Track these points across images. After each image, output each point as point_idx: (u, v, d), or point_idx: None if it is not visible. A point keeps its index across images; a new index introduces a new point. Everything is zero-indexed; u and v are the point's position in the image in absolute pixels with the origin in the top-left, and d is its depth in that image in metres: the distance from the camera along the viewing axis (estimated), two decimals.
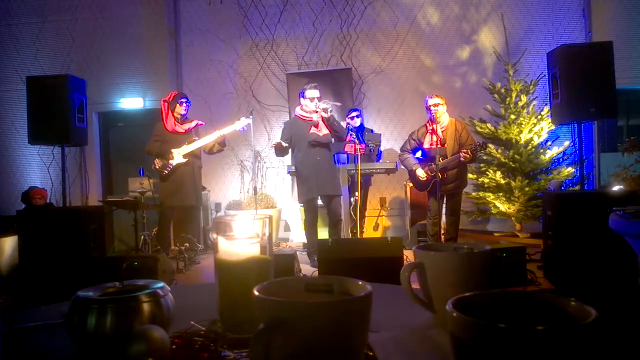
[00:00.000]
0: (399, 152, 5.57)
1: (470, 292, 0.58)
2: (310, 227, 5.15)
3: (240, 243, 0.75)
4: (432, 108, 5.06)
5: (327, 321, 0.54)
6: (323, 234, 5.73)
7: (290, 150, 5.18)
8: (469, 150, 4.85)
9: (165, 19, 7.73)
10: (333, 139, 5.02)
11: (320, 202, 5.25)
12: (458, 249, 0.92)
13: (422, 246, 0.91)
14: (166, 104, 5.56)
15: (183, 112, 5.55)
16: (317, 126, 4.92)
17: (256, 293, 0.58)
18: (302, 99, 5.05)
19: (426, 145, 5.14)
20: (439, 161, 4.91)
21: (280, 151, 5.08)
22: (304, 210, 5.17)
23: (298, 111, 5.12)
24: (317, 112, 4.87)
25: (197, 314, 0.87)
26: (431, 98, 5.13)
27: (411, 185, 6.23)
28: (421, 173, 5.13)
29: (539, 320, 0.55)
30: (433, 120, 5.07)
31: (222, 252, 0.75)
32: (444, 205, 5.37)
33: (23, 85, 5.16)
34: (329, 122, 4.86)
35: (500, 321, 0.47)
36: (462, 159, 4.89)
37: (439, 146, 4.93)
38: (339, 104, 5.47)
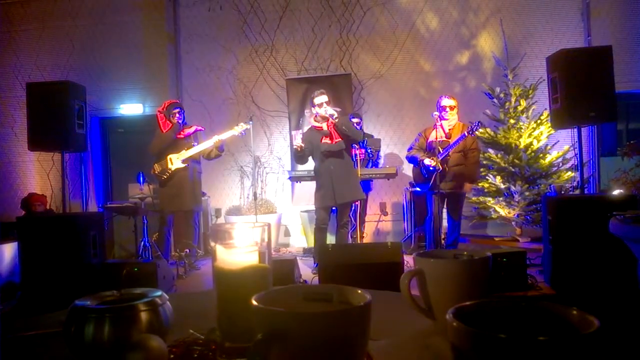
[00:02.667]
0: (406, 152, 5.55)
1: (470, 298, 0.58)
2: (322, 231, 5.07)
3: (238, 251, 0.74)
4: (447, 109, 5.09)
5: (326, 331, 0.53)
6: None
7: (309, 158, 5.15)
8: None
9: (164, 24, 7.75)
10: (347, 144, 4.97)
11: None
12: (458, 256, 0.91)
13: (421, 253, 0.90)
14: (161, 113, 5.57)
15: (179, 122, 5.55)
16: (327, 136, 4.91)
17: (254, 302, 0.58)
18: (313, 108, 5.04)
19: (431, 139, 5.15)
20: (439, 151, 4.94)
21: (299, 157, 5.07)
22: (316, 214, 5.10)
23: (312, 121, 5.13)
24: (327, 119, 4.86)
25: (195, 322, 0.87)
26: (447, 98, 5.16)
27: (411, 190, 6.24)
28: (429, 161, 5.12)
29: (541, 329, 0.54)
30: (441, 118, 5.11)
31: (220, 260, 0.75)
32: (444, 209, 5.37)
33: (23, 91, 5.16)
34: (338, 128, 4.85)
35: (501, 330, 0.46)
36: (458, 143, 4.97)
37: (445, 139, 4.98)
38: (338, 109, 5.47)
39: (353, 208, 5.29)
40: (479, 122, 5.06)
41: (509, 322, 0.56)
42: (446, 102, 5.14)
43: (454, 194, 5.22)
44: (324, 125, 4.93)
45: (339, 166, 4.91)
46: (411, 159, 5.39)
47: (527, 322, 0.55)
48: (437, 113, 5.08)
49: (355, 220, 5.37)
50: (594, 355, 0.45)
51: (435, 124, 5.08)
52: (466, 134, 4.97)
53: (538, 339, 0.44)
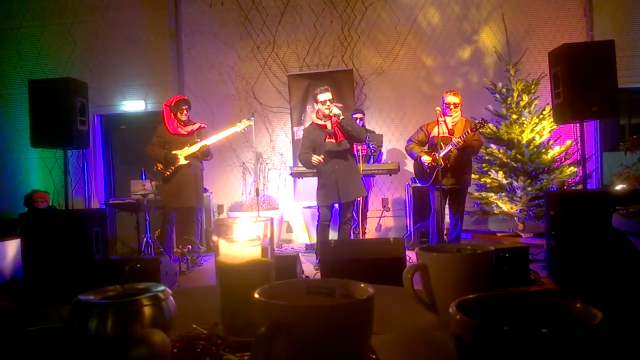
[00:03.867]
0: (406, 143, 5.56)
1: (473, 293, 0.58)
2: (325, 228, 5.07)
3: (241, 245, 0.74)
4: (451, 107, 5.08)
5: (329, 324, 0.53)
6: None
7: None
8: (461, 136, 4.91)
9: (166, 21, 7.74)
10: (349, 142, 4.92)
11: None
12: (461, 250, 0.91)
13: (424, 247, 0.90)
14: (168, 107, 5.58)
15: (184, 119, 5.58)
16: (331, 135, 4.87)
17: (257, 296, 0.58)
18: (315, 105, 4.97)
19: (433, 134, 5.15)
20: (441, 147, 4.93)
21: (310, 165, 4.96)
22: (319, 212, 5.09)
23: (314, 117, 5.07)
24: (330, 117, 4.81)
25: (199, 316, 0.87)
26: (451, 95, 5.15)
27: (413, 185, 6.23)
28: (426, 158, 5.14)
29: (544, 322, 0.54)
30: (445, 114, 5.10)
31: (222, 254, 0.75)
32: (447, 205, 5.36)
33: (25, 88, 5.16)
34: (342, 128, 4.80)
35: (505, 323, 0.46)
36: (455, 144, 4.93)
37: (448, 135, 4.97)
38: (340, 105, 5.46)
39: (355, 204, 5.29)
40: (482, 120, 5.02)
41: (513, 315, 0.55)
42: (450, 99, 5.12)
43: (455, 189, 5.21)
44: (328, 124, 4.88)
45: (343, 166, 4.88)
46: (410, 153, 5.42)
47: (530, 315, 0.55)
48: (439, 108, 5.07)
49: (358, 216, 5.37)
50: (597, 348, 0.45)
51: (438, 119, 5.07)
52: (469, 131, 4.95)
53: (542, 332, 0.44)
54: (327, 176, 4.90)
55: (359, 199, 5.24)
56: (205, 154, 5.56)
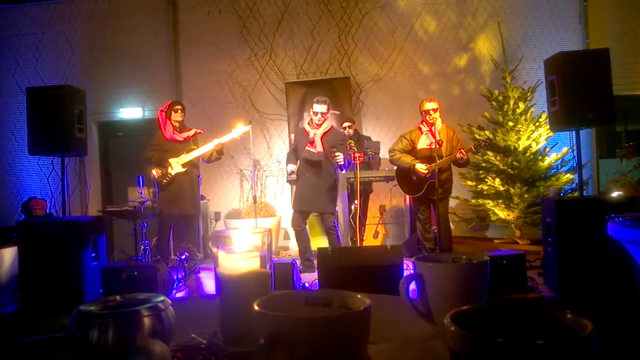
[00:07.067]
0: (389, 152, 5.44)
1: (469, 302, 0.59)
2: (299, 234, 5.18)
3: (239, 257, 0.75)
4: (430, 112, 5.08)
5: (327, 335, 0.54)
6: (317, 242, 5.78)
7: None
8: (464, 151, 4.92)
9: (164, 28, 7.76)
10: (328, 160, 5.06)
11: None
12: (456, 260, 0.92)
13: (421, 257, 0.91)
14: (163, 113, 5.59)
15: (179, 119, 5.57)
16: (312, 143, 5.01)
17: (256, 307, 0.58)
18: (311, 111, 5.13)
19: (422, 145, 5.16)
20: (437, 160, 4.91)
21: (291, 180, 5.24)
22: (292, 216, 5.23)
23: (305, 124, 5.20)
24: (318, 126, 5.00)
25: (198, 326, 0.88)
26: (429, 102, 5.16)
27: None
28: (421, 166, 5.10)
29: (537, 333, 0.55)
30: (428, 123, 5.10)
31: (221, 265, 0.76)
32: (434, 214, 5.39)
33: (23, 95, 5.17)
34: (327, 152, 4.97)
35: (499, 334, 0.47)
36: (458, 157, 4.94)
37: (437, 147, 4.97)
38: (337, 112, 5.51)
39: (352, 212, 5.31)
40: (486, 139, 5.11)
41: (507, 326, 0.57)
42: (429, 105, 5.11)
43: (441, 198, 5.19)
44: (311, 133, 5.06)
45: (314, 176, 5.07)
46: (398, 163, 5.29)
47: (523, 326, 0.56)
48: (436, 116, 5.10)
49: (355, 223, 5.37)
50: (589, 357, 0.46)
51: (422, 130, 5.11)
52: (472, 148, 5.01)
53: (534, 343, 0.45)
54: (301, 182, 5.15)
55: (355, 205, 5.25)
56: (220, 152, 5.58)
